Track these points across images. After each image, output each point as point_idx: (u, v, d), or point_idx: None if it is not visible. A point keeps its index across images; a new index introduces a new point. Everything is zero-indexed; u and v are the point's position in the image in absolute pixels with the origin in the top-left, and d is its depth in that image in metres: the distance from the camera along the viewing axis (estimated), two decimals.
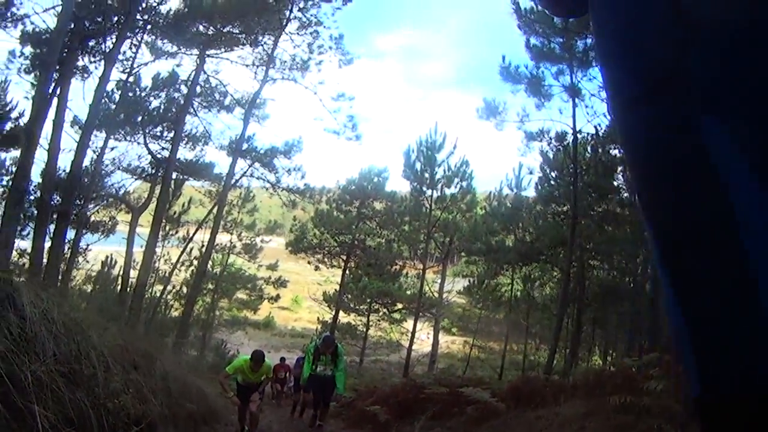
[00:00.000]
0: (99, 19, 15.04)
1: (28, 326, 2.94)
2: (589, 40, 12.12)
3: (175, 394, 5.38)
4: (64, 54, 14.26)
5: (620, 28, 0.61)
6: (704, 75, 0.52)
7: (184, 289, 23.09)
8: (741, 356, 0.48)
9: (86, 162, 14.81)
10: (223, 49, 18.20)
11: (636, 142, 0.59)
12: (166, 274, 20.51)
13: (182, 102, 17.47)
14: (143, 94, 17.14)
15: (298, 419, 10.17)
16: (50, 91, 14.66)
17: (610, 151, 16.30)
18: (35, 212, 12.60)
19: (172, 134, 17.35)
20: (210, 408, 7.00)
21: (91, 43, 15.54)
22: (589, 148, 17.01)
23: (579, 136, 14.67)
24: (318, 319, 28.75)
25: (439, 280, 25.97)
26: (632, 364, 6.35)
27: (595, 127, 15.97)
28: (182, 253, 20.43)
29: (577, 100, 12.77)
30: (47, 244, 10.84)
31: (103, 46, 15.58)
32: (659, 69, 0.56)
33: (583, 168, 16.39)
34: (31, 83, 15.17)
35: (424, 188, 23.77)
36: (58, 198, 12.97)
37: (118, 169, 17.20)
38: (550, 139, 15.83)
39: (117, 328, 5.12)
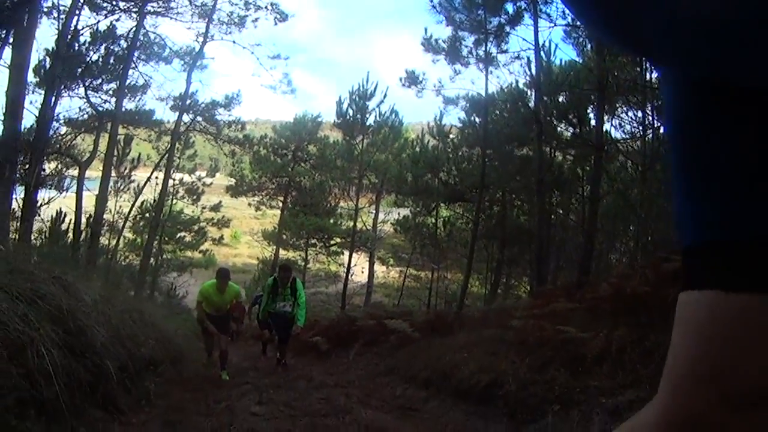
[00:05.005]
0: None
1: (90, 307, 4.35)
2: (502, 18, 13.59)
3: (161, 338, 6.85)
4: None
5: None
6: None
7: (132, 237, 24.08)
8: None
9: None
10: (160, 3, 18.39)
11: None
12: (118, 226, 21.14)
13: (122, 55, 17.77)
14: (83, 48, 17.21)
15: (263, 358, 10.29)
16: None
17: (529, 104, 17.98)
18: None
19: (112, 85, 17.70)
20: (179, 346, 8.43)
21: None
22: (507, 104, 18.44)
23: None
24: (258, 258, 29.96)
25: (373, 214, 27.30)
26: (511, 305, 8.18)
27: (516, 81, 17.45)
28: (133, 205, 21.06)
29: (490, 68, 14.38)
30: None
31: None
32: None
33: (504, 116, 17.90)
34: None
35: (356, 134, 24.76)
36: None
37: (62, 123, 17.37)
38: (466, 103, 17.47)
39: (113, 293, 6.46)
